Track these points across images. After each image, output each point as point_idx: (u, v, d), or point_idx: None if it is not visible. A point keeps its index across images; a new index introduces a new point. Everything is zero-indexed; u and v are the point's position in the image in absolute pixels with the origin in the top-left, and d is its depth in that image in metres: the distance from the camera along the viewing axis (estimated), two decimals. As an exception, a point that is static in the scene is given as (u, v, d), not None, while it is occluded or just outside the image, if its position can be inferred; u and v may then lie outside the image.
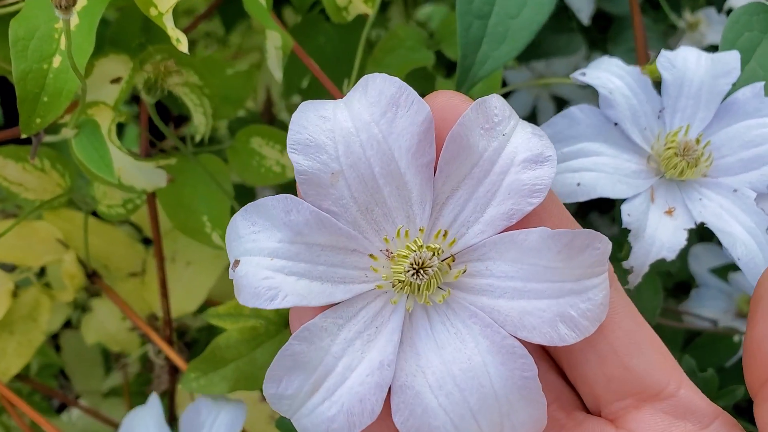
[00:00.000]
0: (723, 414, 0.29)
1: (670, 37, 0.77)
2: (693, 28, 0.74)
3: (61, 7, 0.31)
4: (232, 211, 0.48)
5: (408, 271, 0.27)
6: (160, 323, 0.55)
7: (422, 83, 0.57)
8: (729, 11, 0.50)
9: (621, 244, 0.38)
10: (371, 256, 0.27)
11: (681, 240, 0.36)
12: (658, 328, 0.32)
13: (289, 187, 0.58)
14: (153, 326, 0.56)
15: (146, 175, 0.47)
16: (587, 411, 0.31)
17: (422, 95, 0.28)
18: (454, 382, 0.26)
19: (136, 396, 0.65)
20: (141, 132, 0.51)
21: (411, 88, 0.27)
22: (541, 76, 0.80)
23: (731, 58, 0.39)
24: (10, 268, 0.53)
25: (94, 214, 0.53)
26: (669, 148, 0.38)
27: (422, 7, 0.76)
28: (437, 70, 0.57)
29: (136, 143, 0.52)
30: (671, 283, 0.73)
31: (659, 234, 0.37)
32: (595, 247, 0.26)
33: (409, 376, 0.27)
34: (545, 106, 0.82)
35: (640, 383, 0.29)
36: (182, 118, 0.71)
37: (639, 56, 0.52)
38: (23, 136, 0.39)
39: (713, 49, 0.41)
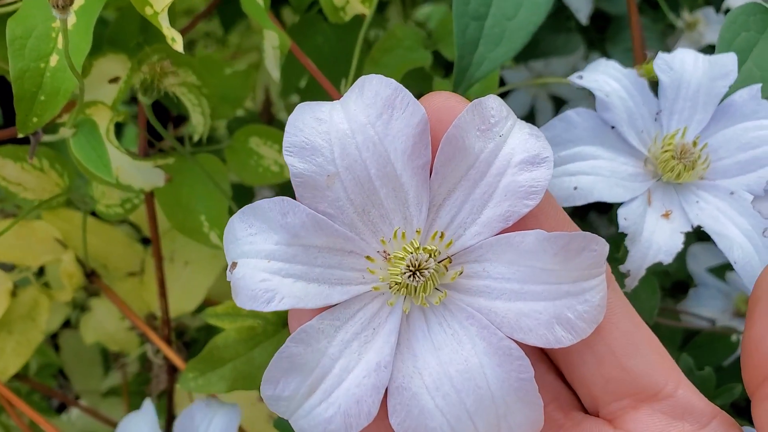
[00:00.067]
0: (721, 413, 0.29)
1: (668, 37, 0.77)
2: (691, 28, 0.74)
3: (58, 6, 0.31)
4: (230, 211, 0.49)
5: (405, 272, 0.27)
6: (159, 323, 0.55)
7: (420, 83, 0.57)
8: (727, 11, 0.50)
9: (618, 244, 0.38)
10: (368, 257, 0.27)
11: (678, 243, 0.36)
12: (656, 328, 0.32)
13: (288, 186, 0.58)
14: (151, 326, 0.56)
15: (144, 175, 0.47)
16: (585, 411, 0.31)
17: (420, 95, 0.28)
18: (451, 384, 0.26)
19: (135, 396, 0.66)
20: (139, 132, 0.51)
21: (406, 90, 0.27)
22: (539, 76, 0.80)
23: (728, 60, 0.39)
24: (9, 268, 0.53)
25: (93, 214, 0.53)
26: (666, 151, 0.38)
27: (421, 7, 0.76)
28: (435, 70, 0.57)
29: (135, 143, 0.52)
30: (669, 283, 0.73)
31: (656, 237, 0.37)
32: (592, 250, 0.26)
33: (406, 378, 0.27)
34: (544, 106, 0.82)
35: (638, 384, 0.29)
36: (181, 119, 0.71)
37: (636, 56, 0.52)
38: (20, 135, 0.39)
39: (711, 48, 0.41)
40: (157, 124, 0.45)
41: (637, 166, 0.39)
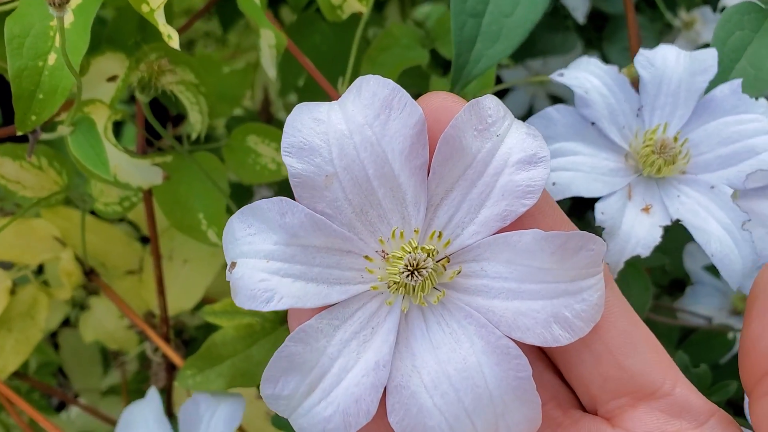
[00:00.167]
0: (719, 411, 0.29)
1: (665, 36, 0.78)
2: (688, 27, 0.75)
3: (54, 4, 0.32)
4: (228, 209, 0.49)
5: (403, 272, 0.27)
6: (158, 321, 0.55)
7: (417, 81, 0.57)
8: (723, 10, 0.50)
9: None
10: (366, 257, 0.27)
11: (656, 237, 0.37)
12: (653, 326, 0.32)
13: (287, 184, 0.58)
14: (150, 324, 0.56)
15: (142, 173, 0.47)
16: (584, 409, 0.31)
17: (417, 93, 0.28)
18: (449, 383, 0.26)
19: (134, 394, 0.66)
20: (138, 130, 0.51)
21: (404, 90, 0.27)
22: (537, 75, 0.80)
23: (708, 56, 0.39)
24: (8, 266, 0.53)
25: (92, 212, 0.53)
26: (647, 146, 0.39)
27: (420, 7, 0.76)
28: (432, 69, 0.57)
29: (134, 142, 0.53)
30: (666, 281, 0.73)
31: (635, 231, 0.37)
32: (589, 249, 0.27)
33: (404, 377, 0.27)
34: (542, 105, 0.82)
35: (636, 382, 0.29)
36: (180, 118, 0.71)
37: (632, 55, 0.52)
38: (19, 133, 0.39)
39: (707, 47, 0.41)
40: (155, 122, 0.45)
41: (618, 161, 0.39)
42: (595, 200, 0.38)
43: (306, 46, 0.58)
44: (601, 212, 0.37)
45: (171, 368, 0.55)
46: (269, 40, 0.46)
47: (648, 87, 0.40)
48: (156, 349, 0.55)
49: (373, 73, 0.27)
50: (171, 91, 0.48)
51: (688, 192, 0.38)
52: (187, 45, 0.71)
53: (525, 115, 0.82)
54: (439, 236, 0.28)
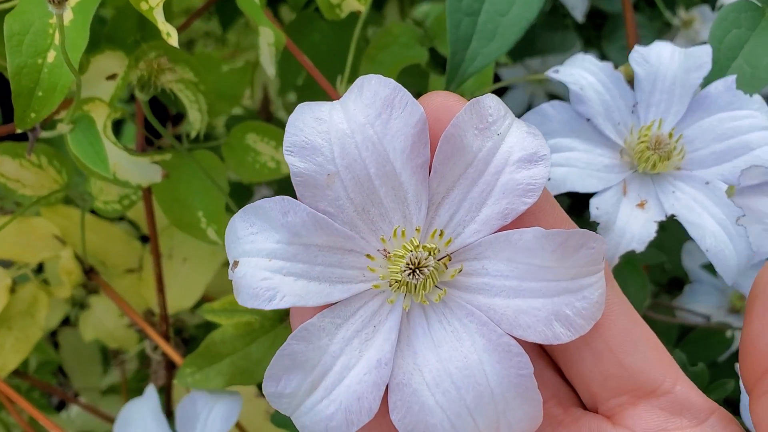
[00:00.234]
0: (719, 409, 0.29)
1: (664, 35, 0.78)
2: (687, 26, 0.75)
3: (54, 2, 0.32)
4: (227, 207, 0.49)
5: (405, 270, 0.27)
6: (157, 319, 0.55)
7: (416, 80, 0.57)
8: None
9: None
10: (368, 256, 0.27)
11: (651, 232, 0.37)
12: (652, 324, 0.32)
13: (286, 183, 0.58)
14: (150, 322, 0.56)
15: (141, 171, 0.47)
16: (584, 407, 0.31)
17: (416, 92, 0.28)
18: (451, 380, 0.27)
19: (134, 393, 0.65)
20: (137, 129, 0.51)
21: (405, 90, 0.27)
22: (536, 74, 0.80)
23: (702, 52, 0.39)
24: (8, 264, 0.53)
25: (92, 211, 0.53)
26: (642, 142, 0.39)
27: (419, 5, 0.76)
28: (431, 67, 0.57)
29: (134, 141, 0.53)
30: (665, 279, 0.74)
31: (630, 226, 0.37)
32: (590, 247, 0.27)
33: (406, 374, 0.27)
34: (540, 104, 0.82)
35: (636, 380, 0.29)
36: (180, 117, 0.71)
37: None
38: (18, 130, 0.39)
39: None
40: (155, 120, 0.45)
41: (613, 157, 0.39)
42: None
43: (305, 44, 0.58)
44: (596, 207, 0.37)
45: (171, 366, 0.55)
46: (268, 39, 0.46)
47: (643, 83, 0.40)
48: (156, 348, 0.55)
49: (372, 72, 0.28)
50: (170, 89, 0.48)
51: (683, 188, 0.39)
52: (187, 44, 0.71)
53: (523, 114, 0.82)
54: (441, 235, 0.28)
